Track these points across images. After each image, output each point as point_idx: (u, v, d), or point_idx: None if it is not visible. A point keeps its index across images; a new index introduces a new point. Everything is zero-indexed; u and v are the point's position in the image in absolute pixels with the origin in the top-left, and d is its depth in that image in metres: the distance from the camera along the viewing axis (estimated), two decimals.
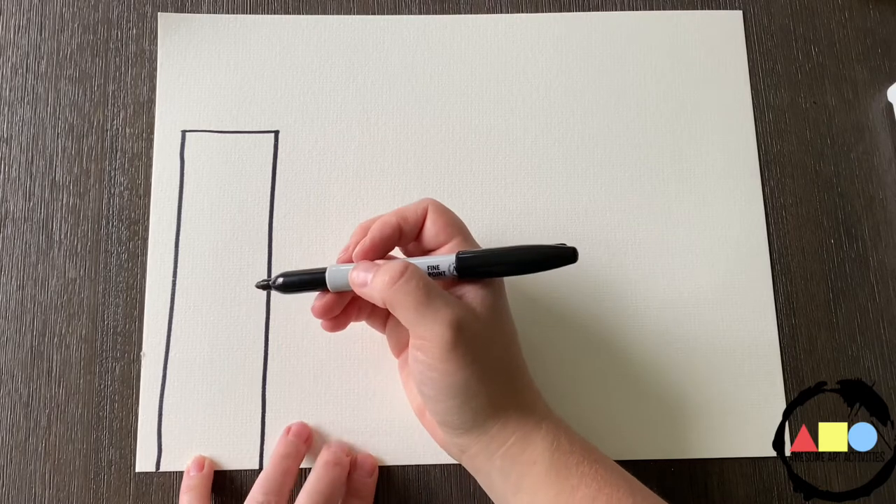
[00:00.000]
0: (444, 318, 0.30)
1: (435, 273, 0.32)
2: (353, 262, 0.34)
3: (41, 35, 0.44)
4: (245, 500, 0.36)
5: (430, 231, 0.34)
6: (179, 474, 0.39)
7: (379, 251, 0.34)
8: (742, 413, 0.40)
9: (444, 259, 0.32)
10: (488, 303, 0.32)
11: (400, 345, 0.37)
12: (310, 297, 0.35)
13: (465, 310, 0.31)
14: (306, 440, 0.39)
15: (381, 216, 0.34)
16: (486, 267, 0.32)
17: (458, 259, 0.32)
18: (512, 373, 0.33)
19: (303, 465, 0.38)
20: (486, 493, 0.37)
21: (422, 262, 0.33)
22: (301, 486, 0.37)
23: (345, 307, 0.36)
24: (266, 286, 0.36)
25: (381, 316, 0.37)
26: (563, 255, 0.31)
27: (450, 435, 0.33)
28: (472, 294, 0.32)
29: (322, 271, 0.34)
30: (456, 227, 0.34)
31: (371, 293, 0.32)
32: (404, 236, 0.34)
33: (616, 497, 0.31)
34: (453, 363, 0.30)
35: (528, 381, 0.34)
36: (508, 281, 0.35)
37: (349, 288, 0.33)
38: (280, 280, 0.35)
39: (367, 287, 0.32)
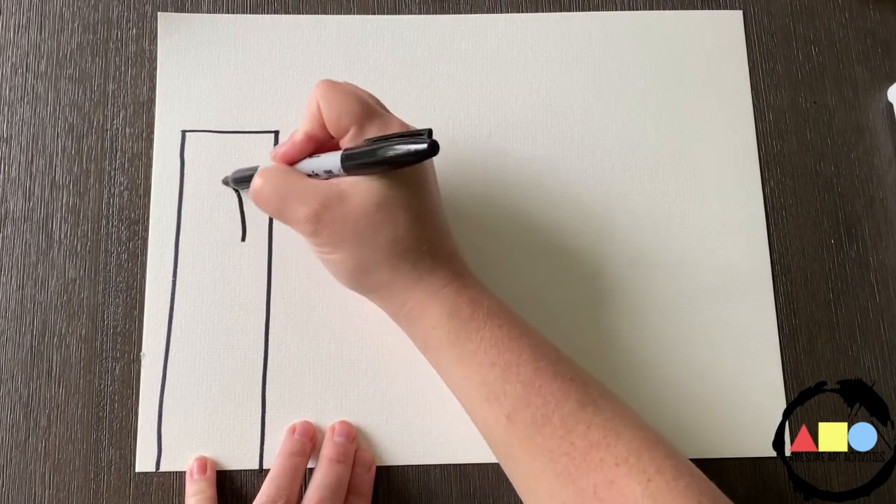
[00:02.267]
0: (301, 216, 0.33)
1: (332, 175, 0.34)
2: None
3: (41, 34, 0.44)
4: (255, 499, 0.36)
5: (330, 127, 0.34)
6: (179, 474, 0.39)
7: (293, 160, 0.36)
8: (742, 413, 0.40)
9: (333, 159, 0.33)
10: (374, 191, 0.33)
11: None
12: (310, 302, 0.37)
13: (326, 199, 0.33)
14: (312, 438, 0.39)
15: (296, 131, 0.35)
16: (365, 167, 0.33)
17: (342, 158, 0.33)
18: (401, 252, 0.34)
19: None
20: (486, 494, 0.37)
21: (316, 164, 0.34)
22: (307, 484, 0.37)
23: None
24: (226, 182, 0.41)
25: None
26: (423, 154, 0.30)
27: (361, 294, 0.36)
28: (352, 182, 0.33)
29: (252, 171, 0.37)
30: (348, 115, 0.34)
31: (253, 200, 0.35)
32: (320, 140, 0.35)
33: (515, 362, 0.32)
34: (321, 248, 0.34)
35: (441, 252, 0.35)
36: (519, 285, 0.35)
37: None
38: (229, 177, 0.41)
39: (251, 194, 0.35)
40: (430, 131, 0.32)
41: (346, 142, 0.34)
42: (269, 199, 0.34)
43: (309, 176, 0.35)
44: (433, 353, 0.35)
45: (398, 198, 0.33)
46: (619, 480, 0.30)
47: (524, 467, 0.32)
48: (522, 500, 0.34)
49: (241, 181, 0.40)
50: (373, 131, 0.34)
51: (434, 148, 0.30)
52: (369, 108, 0.34)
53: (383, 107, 0.36)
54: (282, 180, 0.34)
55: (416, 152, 0.30)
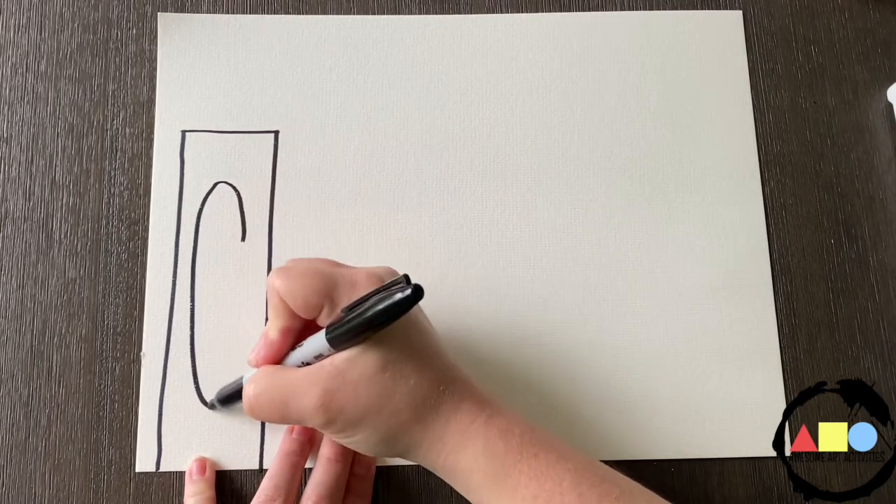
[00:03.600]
0: (309, 410, 0.31)
1: (322, 357, 0.32)
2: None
3: (41, 34, 0.44)
4: (254, 498, 0.36)
5: (302, 311, 0.32)
6: (179, 474, 0.39)
7: (276, 359, 0.34)
8: (742, 413, 0.40)
9: (320, 343, 0.31)
10: (373, 356, 0.31)
11: None
12: None
13: (327, 384, 0.31)
14: (311, 438, 0.39)
15: (266, 330, 0.34)
16: (355, 338, 0.31)
17: (328, 338, 0.31)
18: (422, 402, 0.32)
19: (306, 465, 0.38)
20: None
21: (306, 354, 0.32)
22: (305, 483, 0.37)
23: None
24: (213, 405, 0.39)
25: None
26: (408, 303, 0.29)
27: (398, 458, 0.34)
28: (346, 357, 0.31)
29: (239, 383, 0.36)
30: (309, 297, 0.32)
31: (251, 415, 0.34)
32: (297, 333, 0.34)
33: (558, 491, 0.31)
34: (341, 435, 0.32)
35: (448, 387, 0.32)
36: (516, 282, 0.34)
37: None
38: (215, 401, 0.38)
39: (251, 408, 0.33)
40: (406, 277, 0.31)
41: (323, 320, 0.32)
42: (270, 404, 0.32)
43: (299, 367, 0.33)
44: (475, 495, 0.32)
45: (398, 351, 0.31)
46: None
47: None
48: None
49: (227, 399, 0.37)
50: (345, 299, 0.32)
51: (419, 292, 0.28)
52: (331, 278, 0.32)
53: (337, 263, 0.34)
54: (276, 381, 0.32)
55: (402, 302, 0.28)
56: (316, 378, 0.31)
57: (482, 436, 0.32)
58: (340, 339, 0.31)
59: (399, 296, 0.28)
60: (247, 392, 0.33)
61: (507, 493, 0.31)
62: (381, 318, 0.29)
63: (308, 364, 0.32)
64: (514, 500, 0.31)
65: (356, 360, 0.31)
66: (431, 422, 0.32)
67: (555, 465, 0.31)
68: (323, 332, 0.31)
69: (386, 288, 0.31)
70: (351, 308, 0.31)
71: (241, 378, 0.36)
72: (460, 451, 0.32)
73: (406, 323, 0.32)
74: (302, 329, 0.34)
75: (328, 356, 0.32)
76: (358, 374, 0.31)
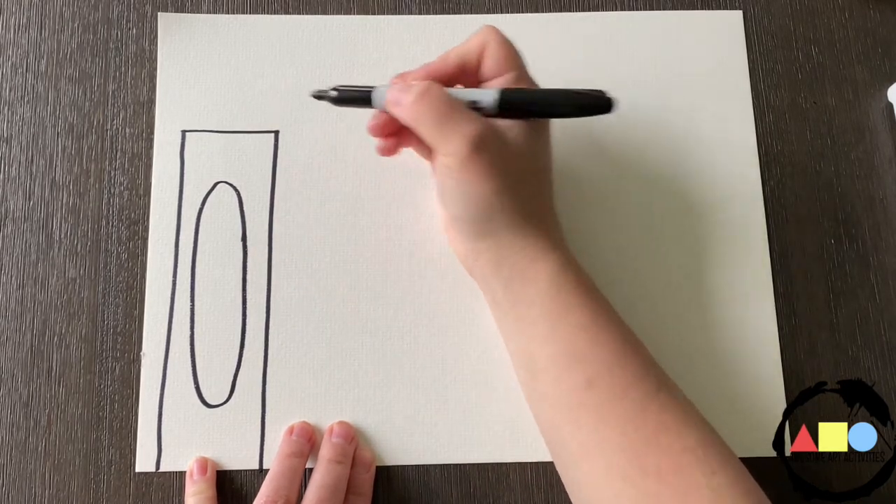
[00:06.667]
0: (463, 132, 0.31)
1: (475, 107, 0.33)
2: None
3: (41, 34, 0.44)
4: (254, 500, 0.36)
5: (488, 63, 0.34)
6: (179, 474, 0.39)
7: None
8: (742, 413, 0.40)
9: (487, 93, 0.33)
10: (524, 135, 0.33)
11: None
12: (310, 302, 0.37)
13: (488, 128, 0.32)
14: (310, 439, 0.39)
15: (443, 54, 0.35)
16: (526, 105, 0.33)
17: (502, 94, 0.33)
18: (537, 201, 0.35)
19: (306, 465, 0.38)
20: (486, 494, 0.37)
21: (463, 94, 0.33)
22: (306, 484, 0.37)
23: (397, 132, 0.36)
24: (321, 96, 0.36)
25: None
26: (599, 105, 0.33)
27: (468, 241, 0.35)
28: (508, 125, 0.33)
29: (371, 88, 0.35)
30: (512, 60, 0.34)
31: (400, 112, 0.33)
32: (466, 72, 0.35)
33: (606, 330, 0.33)
34: (471, 174, 0.32)
35: (552, 217, 0.36)
36: None
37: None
38: (334, 93, 0.36)
39: (399, 106, 0.33)
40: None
41: (497, 84, 0.34)
42: (432, 107, 0.32)
43: None
44: (524, 307, 0.34)
45: (544, 151, 0.35)
46: (685, 468, 0.30)
47: (588, 435, 0.32)
48: (569, 470, 0.34)
49: (354, 99, 0.36)
50: (524, 85, 0.34)
51: (613, 104, 0.32)
52: (525, 68, 0.35)
53: None
54: (445, 94, 0.33)
55: (600, 99, 0.32)
56: (478, 116, 0.32)
57: (562, 261, 0.34)
58: (513, 100, 0.33)
59: (598, 95, 0.32)
60: (415, 88, 0.33)
61: (562, 314, 0.33)
62: (577, 103, 0.33)
63: None
64: (564, 323, 0.33)
65: (513, 129, 0.33)
66: (535, 226, 0.34)
67: (607, 313, 0.34)
68: (492, 88, 0.33)
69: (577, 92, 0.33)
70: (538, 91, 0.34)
71: (376, 87, 0.35)
72: (537, 260, 0.34)
73: (548, 139, 0.35)
74: (457, 80, 0.35)
75: (481, 109, 0.33)
76: (512, 139, 0.33)
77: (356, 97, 0.35)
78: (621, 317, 0.35)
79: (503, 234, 0.34)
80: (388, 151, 0.37)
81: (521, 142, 0.33)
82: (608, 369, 0.32)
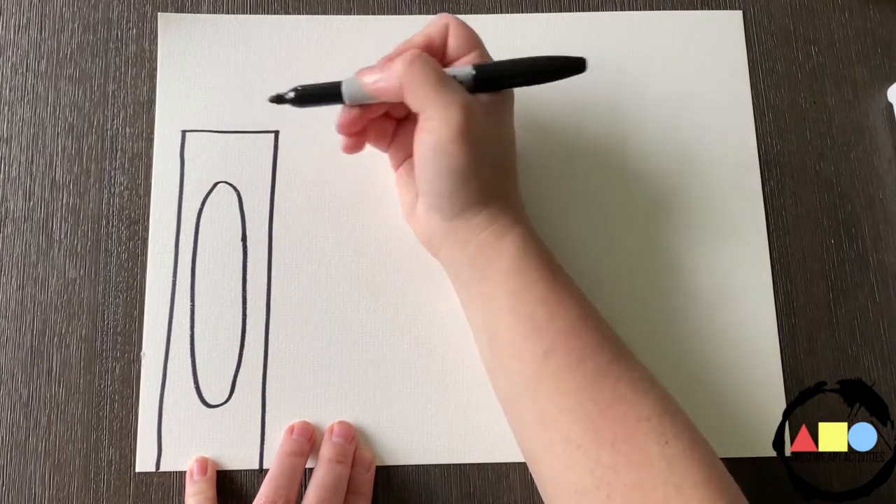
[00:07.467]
0: (456, 100, 0.32)
1: None
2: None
3: (41, 34, 0.44)
4: (255, 500, 0.36)
5: (453, 42, 0.36)
6: (179, 474, 0.39)
7: None
8: (742, 413, 0.40)
9: (462, 70, 0.34)
10: (495, 105, 0.35)
11: (400, 156, 0.39)
12: (310, 302, 0.36)
13: (474, 99, 0.33)
14: (310, 438, 0.39)
15: (407, 40, 0.36)
16: (501, 78, 0.34)
17: (477, 68, 0.34)
18: (504, 171, 0.36)
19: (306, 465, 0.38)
20: (486, 494, 0.37)
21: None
22: (306, 484, 0.37)
23: (364, 129, 0.37)
24: (279, 99, 0.35)
25: (386, 132, 0.39)
26: (572, 65, 0.34)
27: (437, 221, 0.36)
28: (482, 97, 0.34)
29: (337, 83, 0.35)
30: (475, 39, 0.36)
31: (388, 80, 0.33)
32: (433, 54, 0.35)
33: (564, 305, 0.33)
34: (458, 144, 0.32)
35: (515, 187, 0.37)
36: None
37: (363, 96, 0.34)
38: (292, 94, 0.35)
39: (382, 78, 0.34)
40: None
41: (464, 63, 0.35)
42: (425, 71, 0.33)
43: None
44: (489, 284, 0.35)
45: (509, 123, 0.36)
46: (639, 437, 0.30)
47: (546, 405, 0.32)
48: (527, 442, 0.34)
49: (318, 97, 0.35)
50: (481, 62, 0.35)
51: (583, 65, 0.33)
52: (484, 46, 0.36)
53: None
54: (434, 64, 0.33)
55: (572, 59, 0.33)
56: (464, 90, 0.34)
57: (525, 235, 0.35)
58: (488, 72, 0.34)
59: (565, 56, 0.33)
60: (411, 54, 0.33)
61: (525, 287, 0.34)
62: (546, 67, 0.34)
63: None
64: (525, 297, 0.34)
65: (484, 101, 0.34)
66: (504, 196, 0.35)
67: (567, 286, 0.35)
68: (465, 64, 0.34)
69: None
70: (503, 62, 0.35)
71: (338, 82, 0.35)
72: (502, 236, 0.34)
73: (510, 113, 0.36)
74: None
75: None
76: (489, 111, 0.34)
77: (321, 94, 0.35)
78: (580, 289, 0.35)
79: (473, 211, 0.35)
80: (354, 148, 0.38)
81: (490, 112, 0.34)
82: (565, 340, 0.33)
